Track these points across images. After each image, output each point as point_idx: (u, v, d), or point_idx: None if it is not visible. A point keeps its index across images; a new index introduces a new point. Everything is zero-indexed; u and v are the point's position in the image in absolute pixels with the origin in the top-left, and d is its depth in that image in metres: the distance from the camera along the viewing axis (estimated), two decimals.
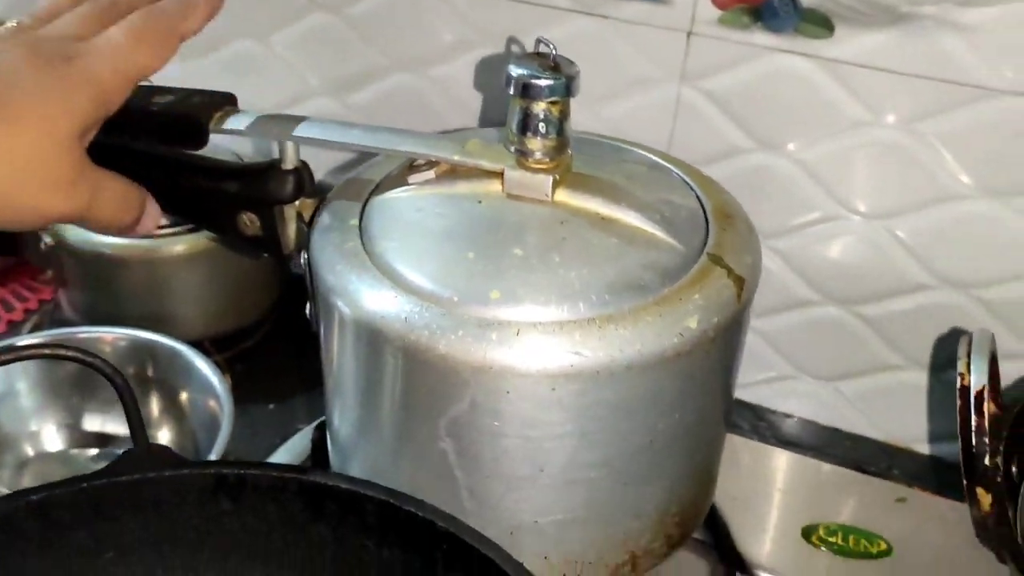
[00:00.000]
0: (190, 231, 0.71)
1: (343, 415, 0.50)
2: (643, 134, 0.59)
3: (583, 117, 0.57)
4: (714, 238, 0.47)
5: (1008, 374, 0.59)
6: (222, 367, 0.75)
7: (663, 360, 0.42)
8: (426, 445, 0.45)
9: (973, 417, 0.44)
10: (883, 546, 0.60)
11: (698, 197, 0.50)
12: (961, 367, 0.46)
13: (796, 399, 0.74)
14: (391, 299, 0.43)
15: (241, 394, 0.75)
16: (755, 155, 0.67)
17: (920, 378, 0.69)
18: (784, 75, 0.63)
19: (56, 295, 0.80)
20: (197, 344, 0.68)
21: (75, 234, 0.71)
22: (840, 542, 0.61)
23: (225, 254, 0.73)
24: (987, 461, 0.45)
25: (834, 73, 0.62)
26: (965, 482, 0.46)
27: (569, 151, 0.48)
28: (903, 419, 0.71)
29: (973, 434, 0.44)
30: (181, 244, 0.72)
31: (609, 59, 0.68)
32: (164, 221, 0.69)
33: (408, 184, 0.48)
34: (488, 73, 0.71)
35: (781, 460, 0.68)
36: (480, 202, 0.47)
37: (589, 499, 0.46)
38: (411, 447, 0.47)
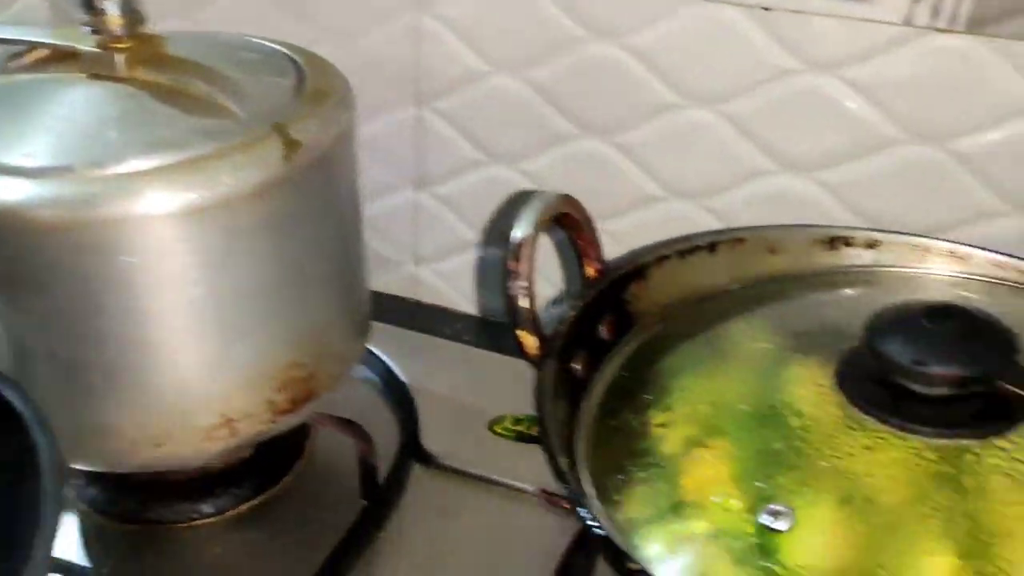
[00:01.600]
0: None
1: None
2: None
3: None
4: (289, 112, 0.49)
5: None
6: None
7: (190, 212, 0.44)
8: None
9: (510, 262, 0.45)
10: None
11: (303, 81, 0.52)
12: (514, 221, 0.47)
13: None
14: None
15: None
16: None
17: None
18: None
19: None
20: None
21: None
22: (525, 430, 0.61)
23: None
24: (526, 304, 0.46)
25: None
26: (513, 330, 0.47)
27: (148, 30, 0.50)
28: None
29: (511, 279, 0.46)
30: None
31: None
32: None
33: (8, 72, 0.51)
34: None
35: (485, 363, 0.69)
36: (62, 82, 0.49)
37: (164, 358, 0.48)
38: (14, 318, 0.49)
